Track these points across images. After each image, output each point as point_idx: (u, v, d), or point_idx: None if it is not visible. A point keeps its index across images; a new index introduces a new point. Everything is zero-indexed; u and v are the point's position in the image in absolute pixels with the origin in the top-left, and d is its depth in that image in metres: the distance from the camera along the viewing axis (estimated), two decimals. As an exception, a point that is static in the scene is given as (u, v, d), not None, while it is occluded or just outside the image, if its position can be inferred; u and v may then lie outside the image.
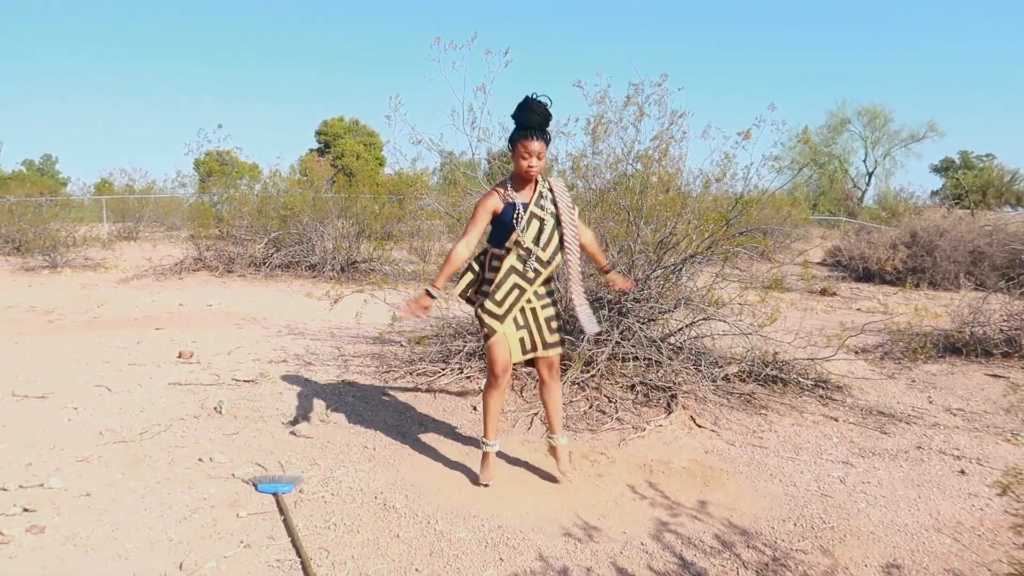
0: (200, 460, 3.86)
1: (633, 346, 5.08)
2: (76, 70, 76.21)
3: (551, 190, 3.60)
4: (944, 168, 44.84)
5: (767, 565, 3.00)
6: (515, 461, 4.01)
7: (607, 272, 3.92)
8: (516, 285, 3.54)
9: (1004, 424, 5.02)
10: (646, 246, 5.24)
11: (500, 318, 3.55)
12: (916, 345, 6.94)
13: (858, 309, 11.10)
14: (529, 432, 4.43)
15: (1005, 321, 7.55)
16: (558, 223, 3.57)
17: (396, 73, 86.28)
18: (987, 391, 5.99)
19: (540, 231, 3.52)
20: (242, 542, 3.03)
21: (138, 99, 78.62)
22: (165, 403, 4.78)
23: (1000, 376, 6.42)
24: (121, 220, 17.94)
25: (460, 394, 5.04)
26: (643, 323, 5.20)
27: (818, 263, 17.27)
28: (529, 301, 3.59)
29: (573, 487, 3.69)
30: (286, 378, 5.41)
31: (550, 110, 3.47)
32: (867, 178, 40.45)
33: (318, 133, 42.35)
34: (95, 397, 4.89)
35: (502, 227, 3.54)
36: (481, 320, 3.61)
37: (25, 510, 3.23)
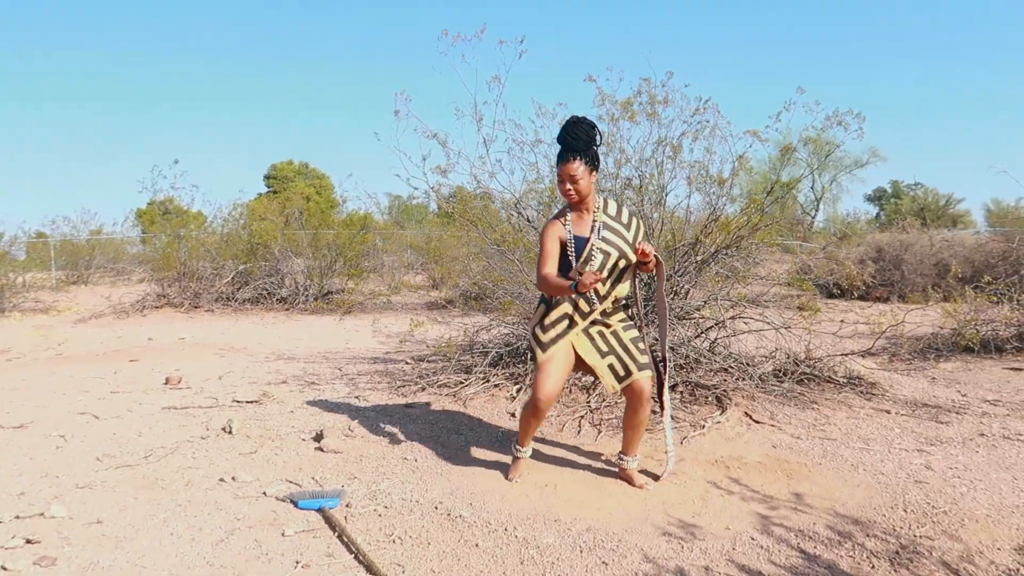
0: (222, 480, 3.38)
1: (671, 345, 4.77)
2: (6, 120, 73.85)
3: (616, 217, 3.30)
4: (878, 197, 46.28)
5: (898, 553, 2.68)
6: (575, 464, 3.63)
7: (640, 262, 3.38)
8: (567, 315, 3.27)
9: (1050, 411, 4.85)
10: (674, 241, 4.98)
11: (544, 345, 3.26)
12: (966, 334, 6.80)
13: (842, 321, 11.06)
14: (580, 436, 4.06)
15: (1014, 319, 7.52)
16: (623, 255, 3.25)
17: (348, 115, 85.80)
18: (1013, 383, 5.85)
19: (604, 265, 3.22)
20: (298, 562, 2.57)
21: (76, 149, 76.14)
22: (163, 427, 4.26)
23: (1020, 369, 6.31)
24: (72, 266, 16.99)
25: (490, 402, 4.64)
26: (678, 320, 4.90)
27: (785, 284, 17.32)
28: (608, 326, 3.30)
29: (652, 488, 3.32)
30: (292, 398, 4.93)
31: (591, 130, 3.20)
32: (816, 204, 41.41)
33: (267, 177, 41.61)
34: (81, 424, 4.34)
35: (563, 259, 3.27)
36: (530, 344, 3.38)
37: (28, 541, 2.71)
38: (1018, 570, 2.59)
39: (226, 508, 3.06)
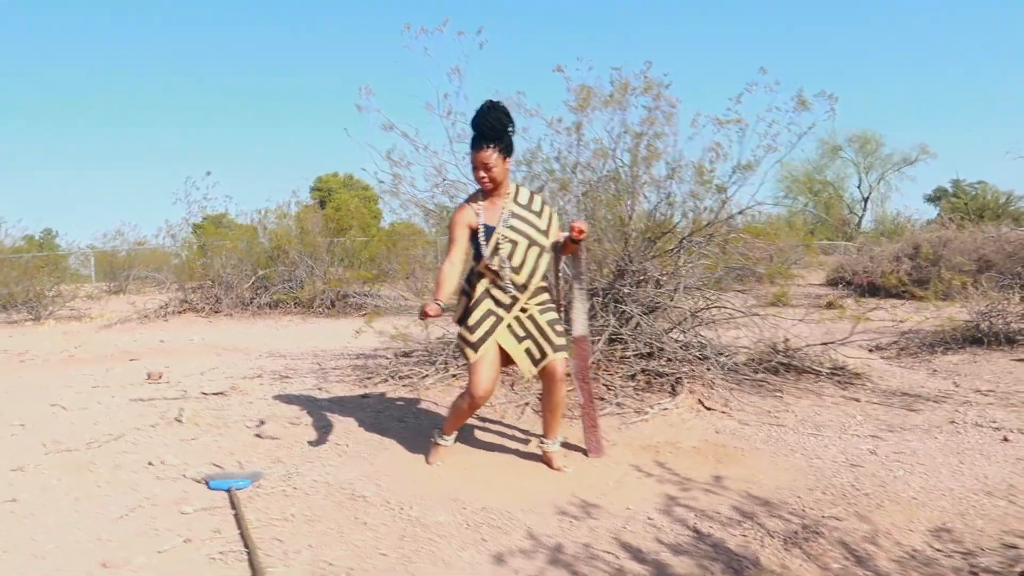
0: (150, 464, 3.43)
1: (632, 335, 4.68)
2: (67, 142, 77.21)
3: (527, 205, 3.27)
4: (937, 197, 44.72)
5: (796, 533, 2.57)
6: (504, 449, 3.59)
7: (572, 239, 3.31)
8: (491, 311, 3.23)
9: (1041, 399, 4.60)
10: (640, 230, 4.90)
11: (474, 345, 3.21)
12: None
13: (867, 318, 10.70)
14: (520, 421, 4.01)
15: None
16: (533, 242, 3.21)
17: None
18: (1016, 374, 5.58)
19: (512, 253, 3.17)
20: (182, 537, 2.60)
21: (129, 166, 79.09)
22: (122, 416, 4.36)
23: (1027, 360, 6.01)
24: (112, 278, 17.61)
25: (445, 391, 4.62)
26: (645, 312, 4.80)
27: (820, 284, 16.87)
28: (525, 311, 3.25)
29: (571, 471, 3.26)
30: (259, 390, 4.99)
31: (505, 117, 3.16)
32: (863, 203, 40.24)
33: (313, 189, 42.42)
34: (47, 415, 4.47)
35: (476, 246, 3.23)
36: (459, 344, 3.32)
37: (-62, 516, 2.81)
38: (924, 551, 2.46)
39: (141, 489, 3.11)
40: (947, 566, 2.35)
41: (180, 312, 11.29)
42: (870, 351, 6.97)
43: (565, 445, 3.46)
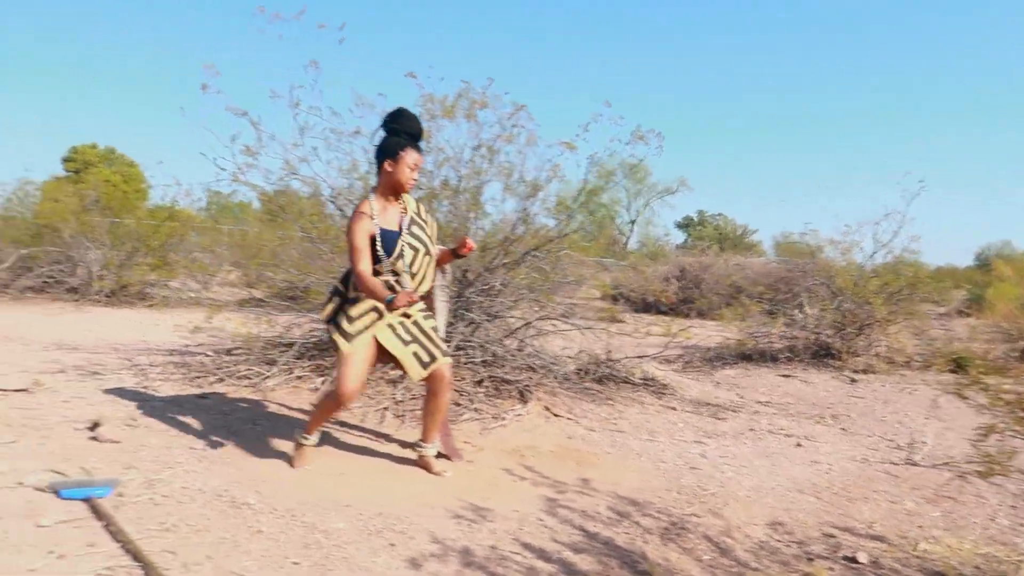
0: (-30, 471, 3.01)
1: (480, 343, 4.86)
2: None
3: (418, 213, 3.37)
4: (685, 224, 50.12)
5: (668, 529, 2.89)
6: (372, 452, 3.60)
7: (457, 252, 3.45)
8: (375, 307, 3.23)
9: (809, 411, 5.45)
10: (488, 240, 5.09)
11: (349, 336, 3.19)
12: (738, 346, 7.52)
13: (647, 333, 11.82)
14: (381, 425, 4.02)
15: (782, 335, 8.39)
16: (428, 251, 3.33)
17: (158, 101, 79.74)
18: (784, 387, 6.52)
19: (413, 260, 3.25)
20: (52, 552, 2.34)
21: None
22: (-98, 416, 3.73)
23: (790, 376, 7.04)
24: None
25: (292, 393, 4.48)
26: (489, 319, 5.00)
27: (599, 298, 18.20)
28: (408, 315, 3.29)
29: (450, 474, 3.36)
30: (69, 387, 4.48)
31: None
32: (631, 225, 44.13)
33: (66, 160, 37.78)
34: None
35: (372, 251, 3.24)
36: (331, 336, 3.27)
37: None
38: (768, 541, 2.88)
39: (-29, 500, 2.73)
40: (789, 554, 2.78)
41: (-90, 292, 9.62)
42: (663, 362, 7.76)
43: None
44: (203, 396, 4.37)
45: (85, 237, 10.50)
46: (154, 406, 4.11)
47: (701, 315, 15.24)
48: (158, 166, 35.77)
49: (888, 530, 3.06)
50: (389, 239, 3.20)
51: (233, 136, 4.84)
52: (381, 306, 3.21)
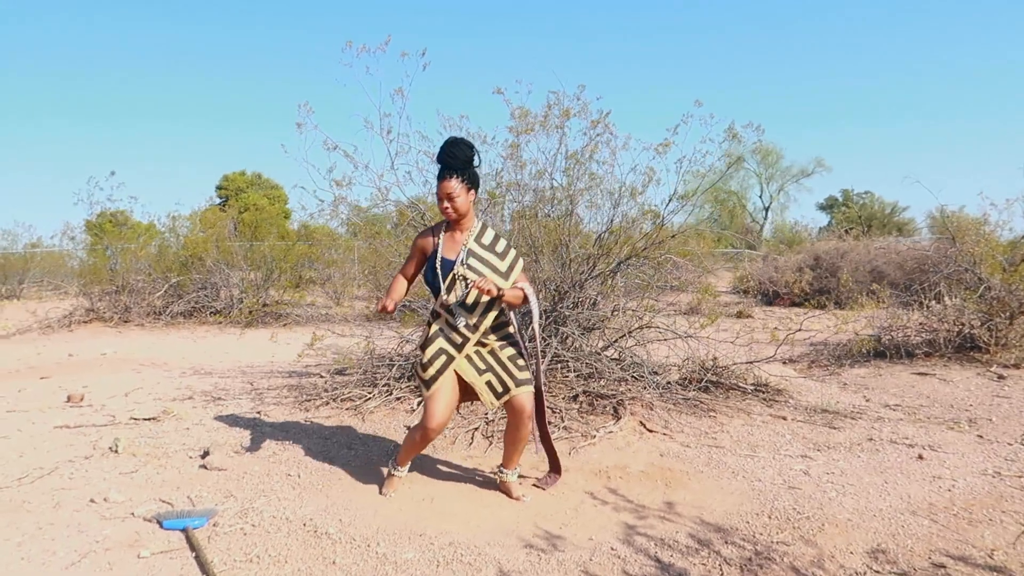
0: (92, 501, 3.30)
1: (574, 356, 4.81)
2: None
3: (486, 245, 3.31)
4: (829, 205, 47.34)
5: (750, 560, 2.73)
6: (460, 477, 3.63)
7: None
8: (442, 350, 3.27)
9: (943, 415, 5.00)
10: (581, 249, 5.03)
11: (427, 382, 3.26)
12: (857, 346, 7.07)
13: (776, 328, 11.27)
14: (471, 448, 4.06)
15: (922, 326, 7.74)
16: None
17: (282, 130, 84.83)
18: (918, 387, 6.02)
19: (467, 294, 3.22)
20: (145, 584, 2.53)
21: (23, 157, 73.81)
22: (49, 447, 4.15)
23: (927, 374, 6.49)
24: (3, 281, 16.47)
25: (390, 415, 4.62)
26: (583, 332, 4.94)
27: (726, 292, 17.57)
28: (485, 345, 3.30)
29: (529, 499, 3.34)
30: (193, 414, 4.84)
31: (470, 150, 3.21)
32: (764, 212, 42.32)
33: (219, 188, 40.95)
34: (-37, 446, 4.21)
35: (431, 275, 3.30)
36: (415, 377, 3.39)
37: None
38: (865, 572, 2.66)
39: (88, 530, 2.99)
40: (887, 587, 2.55)
41: (86, 321, 10.74)
42: (784, 363, 7.36)
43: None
44: (307, 421, 4.59)
45: (225, 263, 11.32)
46: (262, 432, 4.36)
47: (839, 305, 14.36)
48: (293, 189, 37.85)
49: (1011, 560, 2.74)
50: (445, 267, 3.23)
51: (330, 168, 5.07)
52: (447, 346, 3.25)
